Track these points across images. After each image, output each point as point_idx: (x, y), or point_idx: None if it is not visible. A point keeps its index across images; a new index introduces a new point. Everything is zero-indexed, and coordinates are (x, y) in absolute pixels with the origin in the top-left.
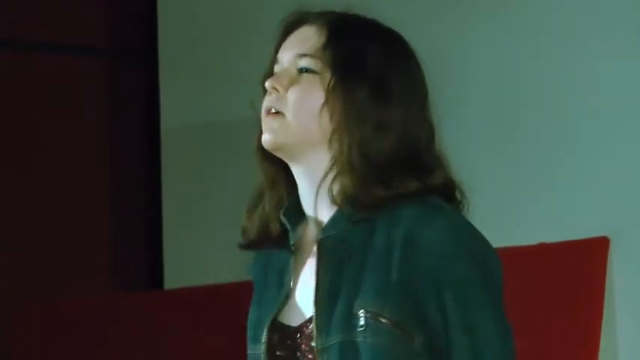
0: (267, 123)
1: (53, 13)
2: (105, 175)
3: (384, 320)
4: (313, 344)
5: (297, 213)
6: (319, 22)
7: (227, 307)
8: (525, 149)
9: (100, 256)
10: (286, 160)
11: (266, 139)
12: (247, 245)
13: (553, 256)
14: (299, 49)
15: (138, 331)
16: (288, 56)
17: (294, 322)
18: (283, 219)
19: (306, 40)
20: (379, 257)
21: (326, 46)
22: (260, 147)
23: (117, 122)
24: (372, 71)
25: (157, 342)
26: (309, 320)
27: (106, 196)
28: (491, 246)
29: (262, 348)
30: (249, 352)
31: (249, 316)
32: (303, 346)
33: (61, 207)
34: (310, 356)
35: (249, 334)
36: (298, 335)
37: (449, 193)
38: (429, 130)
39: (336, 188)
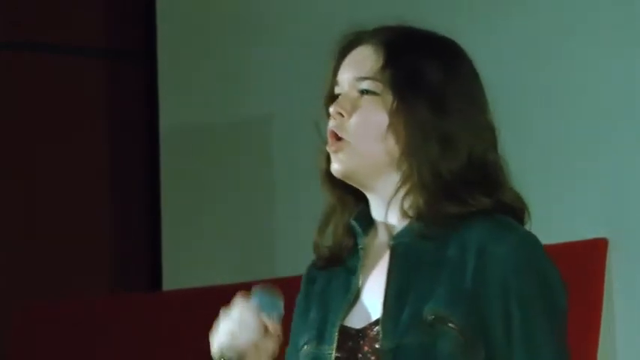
0: (334, 153)
1: (52, 13)
2: (104, 176)
3: (452, 326)
4: (378, 346)
5: (366, 220)
6: (375, 42)
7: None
8: (523, 151)
9: (99, 256)
10: (357, 187)
11: (335, 168)
12: (322, 265)
13: (551, 258)
14: (358, 71)
15: (136, 331)
16: (347, 79)
17: (358, 325)
18: (353, 223)
19: (363, 62)
20: (450, 267)
21: (385, 67)
22: (327, 172)
23: (116, 122)
24: (433, 88)
25: (156, 343)
26: (375, 323)
27: (105, 196)
28: (558, 271)
29: (332, 347)
30: (307, 350)
31: (310, 315)
32: (365, 347)
33: (60, 207)
34: (373, 358)
35: (309, 333)
36: (361, 337)
37: (517, 210)
38: (493, 139)
39: (407, 204)
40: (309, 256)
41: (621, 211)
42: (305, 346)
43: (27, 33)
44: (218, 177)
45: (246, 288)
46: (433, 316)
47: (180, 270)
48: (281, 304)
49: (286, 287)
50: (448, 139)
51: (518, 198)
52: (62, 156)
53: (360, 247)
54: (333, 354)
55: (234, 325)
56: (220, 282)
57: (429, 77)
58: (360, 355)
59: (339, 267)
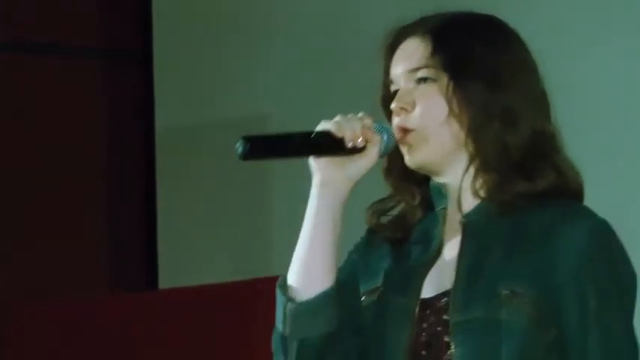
0: (403, 144)
1: (48, 13)
2: (100, 175)
3: (528, 303)
4: (445, 317)
5: (440, 192)
6: (420, 32)
7: (221, 307)
8: None
9: (95, 256)
10: (428, 174)
11: (409, 159)
12: (389, 235)
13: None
14: (409, 63)
15: (133, 330)
16: (401, 73)
17: (425, 294)
18: (432, 184)
19: (413, 53)
20: (525, 246)
21: (434, 53)
22: (388, 169)
23: (112, 122)
24: (484, 64)
25: (153, 342)
26: (444, 294)
27: (102, 195)
28: (629, 260)
29: (415, 300)
30: (394, 303)
31: (384, 268)
32: (432, 318)
33: (56, 207)
34: (439, 329)
35: (389, 283)
36: (428, 307)
37: (581, 189)
38: (547, 107)
39: (478, 183)
40: None
41: (621, 212)
42: (377, 293)
43: (21, 34)
44: (214, 176)
45: (242, 287)
46: (509, 292)
47: (177, 269)
48: (393, 140)
49: None
50: (508, 114)
51: (575, 169)
52: (58, 156)
53: (442, 207)
54: (417, 306)
55: (341, 115)
56: (216, 280)
57: (479, 55)
58: (425, 325)
59: (407, 241)
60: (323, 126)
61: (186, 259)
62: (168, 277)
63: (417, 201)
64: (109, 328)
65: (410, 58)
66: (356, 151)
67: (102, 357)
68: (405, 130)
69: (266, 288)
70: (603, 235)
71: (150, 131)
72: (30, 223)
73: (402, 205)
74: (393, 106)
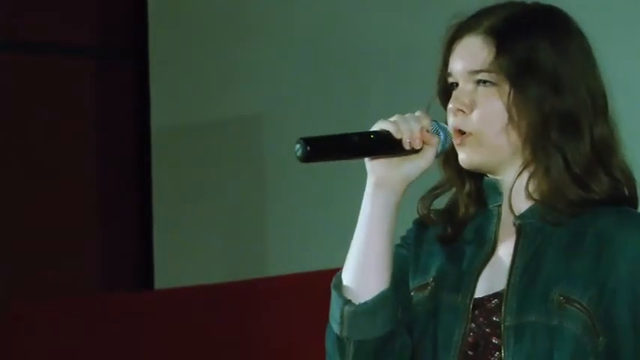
0: (460, 146)
1: (43, 13)
2: (95, 175)
3: (580, 308)
4: (495, 319)
5: (495, 189)
6: (483, 31)
7: (217, 307)
8: None
9: (91, 255)
10: (483, 173)
11: (463, 159)
12: (444, 229)
13: None
14: (470, 64)
15: (128, 330)
16: (461, 72)
17: (476, 294)
18: (486, 179)
19: (475, 54)
20: (580, 252)
21: (497, 57)
22: (446, 159)
23: (107, 122)
24: (548, 71)
25: (148, 341)
26: (494, 295)
27: (97, 195)
28: None
29: (468, 299)
30: (446, 300)
31: (437, 265)
32: (481, 318)
33: (51, 207)
34: (488, 330)
35: (442, 280)
36: (478, 307)
37: (635, 195)
38: (605, 106)
39: (532, 187)
40: (300, 254)
41: None
42: (428, 290)
43: (17, 32)
44: (209, 176)
45: (237, 287)
46: (563, 298)
47: (172, 269)
48: (450, 139)
49: (278, 286)
50: (568, 122)
51: (631, 175)
52: (53, 155)
53: (497, 204)
54: (471, 305)
55: (400, 115)
56: (212, 281)
57: (542, 61)
58: (473, 325)
59: (461, 238)
60: (381, 125)
61: (182, 260)
62: (164, 278)
63: (467, 194)
64: (104, 328)
65: (471, 58)
66: (413, 151)
67: (97, 357)
68: (462, 132)
69: (261, 288)
70: None
71: (145, 131)
72: (25, 222)
73: (452, 195)
74: (450, 106)
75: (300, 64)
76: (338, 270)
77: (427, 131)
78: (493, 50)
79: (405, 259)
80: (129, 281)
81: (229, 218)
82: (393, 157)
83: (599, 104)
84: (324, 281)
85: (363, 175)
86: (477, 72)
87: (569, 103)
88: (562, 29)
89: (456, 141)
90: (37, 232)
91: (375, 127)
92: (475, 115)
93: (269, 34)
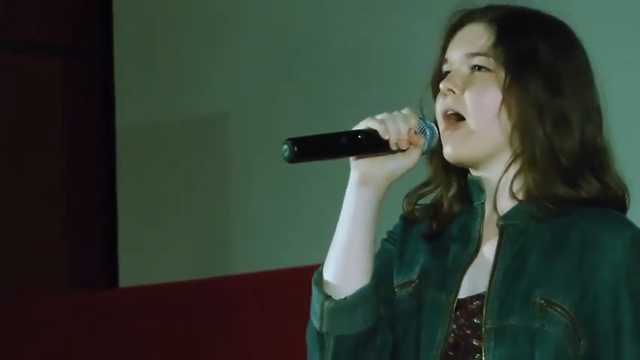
0: (449, 135)
1: (7, 11)
2: (60, 173)
3: (562, 312)
4: (476, 321)
5: (478, 187)
6: (486, 19)
7: (182, 305)
8: None
9: (55, 254)
10: (468, 168)
11: (450, 152)
12: (430, 225)
13: None
14: (469, 48)
15: (93, 329)
16: (457, 56)
17: (459, 294)
18: (470, 177)
19: (475, 38)
20: (563, 254)
21: (497, 44)
22: (432, 154)
23: (72, 121)
24: (545, 66)
25: (112, 340)
26: (477, 297)
27: (61, 193)
28: None
29: (452, 297)
30: (430, 298)
31: (421, 262)
32: (462, 319)
33: (16, 205)
34: (468, 331)
35: (426, 277)
36: (459, 308)
37: (621, 197)
38: (600, 123)
39: (517, 186)
40: (264, 253)
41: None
42: (412, 286)
43: None
44: (174, 175)
45: (202, 285)
46: (544, 301)
47: (137, 267)
48: (437, 138)
49: (243, 284)
50: (562, 119)
51: (623, 185)
52: (17, 154)
53: (480, 202)
54: (454, 304)
55: (387, 114)
56: (176, 279)
57: (543, 56)
58: (454, 326)
59: (444, 234)
60: (368, 124)
61: (147, 258)
62: (129, 276)
63: (452, 192)
64: (69, 327)
65: (470, 43)
66: (399, 151)
67: (61, 356)
68: (448, 113)
69: (226, 286)
70: None
71: (110, 130)
72: None
73: (437, 192)
74: (441, 86)
75: (266, 63)
76: (303, 268)
77: (414, 132)
78: (493, 36)
79: (390, 253)
80: (93, 280)
81: (194, 217)
82: (379, 156)
83: (592, 115)
84: (289, 279)
85: (329, 173)
86: (474, 55)
87: (564, 102)
88: (565, 37)
89: (444, 129)
90: (0, 232)
91: (362, 126)
92: (467, 96)
93: (234, 33)
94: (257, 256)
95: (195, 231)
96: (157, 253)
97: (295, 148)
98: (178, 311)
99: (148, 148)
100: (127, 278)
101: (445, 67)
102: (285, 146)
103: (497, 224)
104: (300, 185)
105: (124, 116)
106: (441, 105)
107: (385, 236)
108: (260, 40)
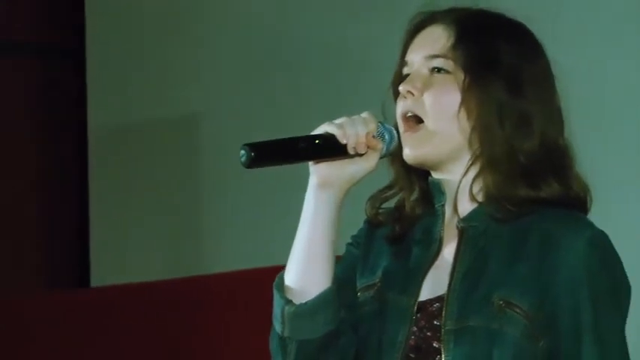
0: (408, 137)
1: None
2: (32, 174)
3: (520, 313)
4: (436, 323)
5: (439, 189)
6: (447, 21)
7: (153, 305)
8: None
9: (26, 254)
10: (428, 170)
11: (409, 154)
12: (392, 229)
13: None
14: (429, 50)
15: (64, 329)
16: (417, 58)
17: (420, 296)
18: (430, 179)
19: (435, 40)
20: (523, 255)
21: (456, 46)
22: (394, 156)
23: (44, 121)
24: (505, 67)
25: (83, 341)
26: (437, 299)
27: (33, 194)
28: (625, 271)
29: (413, 300)
30: (392, 301)
31: (384, 265)
32: (422, 322)
33: None
34: (429, 334)
35: (388, 280)
36: (419, 310)
37: (583, 198)
38: (562, 125)
39: (476, 187)
40: (235, 253)
41: (622, 214)
42: (375, 289)
43: None
44: (146, 175)
45: (173, 285)
46: (503, 302)
47: (109, 267)
48: (396, 142)
49: (215, 284)
50: (522, 120)
51: (585, 186)
52: None
53: (441, 204)
54: (415, 306)
55: (346, 118)
56: (148, 279)
57: (504, 57)
58: (415, 328)
59: (406, 238)
60: (326, 129)
61: (118, 258)
62: (100, 276)
63: (415, 195)
64: (39, 327)
65: (430, 45)
66: (357, 155)
67: (32, 356)
68: (407, 115)
69: (197, 286)
70: (601, 247)
71: (82, 130)
72: None
73: (400, 195)
74: (400, 88)
75: (237, 63)
76: (275, 268)
77: (373, 136)
78: (453, 38)
79: (354, 257)
80: (65, 280)
81: (166, 217)
82: (338, 160)
83: (554, 117)
84: (261, 279)
85: (301, 173)
86: (434, 57)
87: (522, 103)
88: (527, 40)
89: (403, 131)
90: None
91: (320, 130)
92: (427, 97)
93: (207, 34)
94: (229, 255)
95: (166, 231)
96: (128, 252)
97: (252, 154)
98: (150, 311)
99: (120, 147)
100: (98, 278)
101: (405, 69)
102: (242, 151)
103: (457, 226)
104: (272, 185)
105: (97, 116)
106: (400, 107)
107: (350, 240)
108: (231, 42)
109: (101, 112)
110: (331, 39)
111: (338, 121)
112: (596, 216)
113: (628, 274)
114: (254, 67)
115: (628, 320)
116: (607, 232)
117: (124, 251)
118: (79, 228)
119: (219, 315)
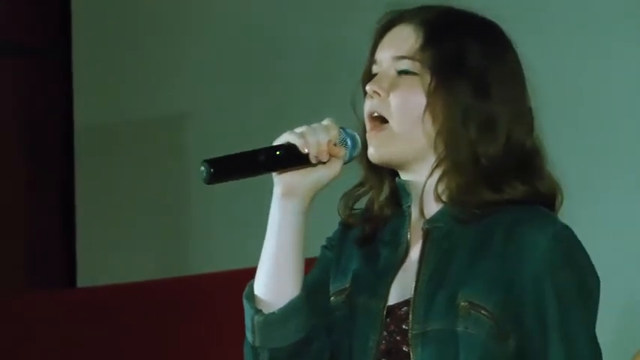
0: (372, 137)
1: None
2: (18, 174)
3: (485, 314)
4: (405, 327)
5: (405, 190)
6: (416, 21)
7: (140, 306)
8: None
9: (12, 253)
10: (394, 169)
11: (373, 153)
12: (363, 229)
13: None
14: (397, 50)
15: (51, 328)
16: (386, 57)
17: (389, 300)
18: (398, 180)
19: (403, 41)
20: (487, 254)
21: (424, 47)
22: (362, 157)
23: (31, 121)
24: (472, 70)
25: (70, 341)
26: (405, 303)
27: (19, 194)
28: (592, 263)
29: (382, 304)
30: (362, 305)
31: (354, 268)
32: (392, 326)
33: None
34: (398, 338)
35: (358, 284)
36: (388, 314)
37: (551, 198)
38: (531, 124)
39: (441, 188)
40: (223, 253)
41: (620, 214)
42: (345, 294)
43: None
44: (133, 175)
45: (160, 285)
46: (467, 303)
47: (95, 267)
48: (359, 147)
49: (202, 284)
50: (487, 123)
51: (555, 185)
52: None
53: (407, 205)
54: (384, 310)
55: (307, 127)
56: (134, 279)
57: (470, 59)
58: (385, 333)
59: (376, 239)
60: (287, 138)
61: (105, 258)
62: (87, 276)
63: (383, 195)
64: (25, 327)
65: (398, 45)
66: (320, 163)
67: (18, 356)
68: (373, 115)
69: (184, 287)
70: (565, 242)
71: (69, 130)
72: None
73: (370, 194)
74: (367, 88)
75: (225, 64)
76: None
77: (335, 144)
78: (421, 39)
79: (328, 261)
80: (51, 280)
81: (152, 217)
82: (300, 169)
83: (522, 118)
84: (249, 279)
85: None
86: (401, 58)
87: (489, 106)
88: (496, 39)
89: (369, 130)
90: None
91: (281, 141)
92: (392, 99)
93: (192, 34)
94: (216, 255)
95: (154, 231)
96: (115, 253)
97: (212, 170)
98: (136, 311)
99: (107, 148)
100: (85, 278)
101: (374, 68)
102: (202, 168)
103: (422, 228)
104: (260, 184)
105: (83, 116)
106: (367, 106)
107: (324, 243)
108: (218, 41)
109: (88, 113)
110: (318, 39)
111: (299, 130)
112: (569, 216)
113: (599, 274)
114: (241, 67)
115: (601, 317)
116: (581, 231)
117: (111, 251)
118: (66, 228)
119: (209, 315)
